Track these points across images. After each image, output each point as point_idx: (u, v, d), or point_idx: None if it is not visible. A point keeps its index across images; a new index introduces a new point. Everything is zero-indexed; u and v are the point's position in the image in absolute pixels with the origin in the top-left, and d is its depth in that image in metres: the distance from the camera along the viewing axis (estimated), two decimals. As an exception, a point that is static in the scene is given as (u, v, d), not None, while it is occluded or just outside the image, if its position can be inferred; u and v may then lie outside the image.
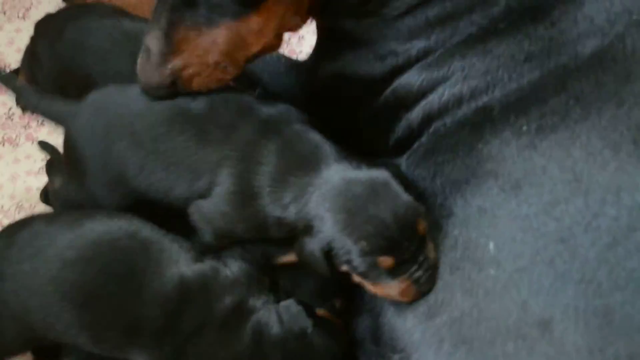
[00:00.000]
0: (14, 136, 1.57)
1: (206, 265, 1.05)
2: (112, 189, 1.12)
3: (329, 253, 0.98)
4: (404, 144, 1.11)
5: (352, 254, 0.96)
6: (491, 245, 0.93)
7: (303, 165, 1.03)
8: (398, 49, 1.07)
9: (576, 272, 0.85)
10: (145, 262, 1.01)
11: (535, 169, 0.93)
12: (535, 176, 0.92)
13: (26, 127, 1.59)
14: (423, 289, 0.97)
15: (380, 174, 1.00)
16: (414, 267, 0.96)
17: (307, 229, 0.99)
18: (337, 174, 1.01)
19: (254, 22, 1.02)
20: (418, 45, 1.05)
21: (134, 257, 1.02)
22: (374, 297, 1.03)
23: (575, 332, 0.82)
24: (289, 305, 1.04)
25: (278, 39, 1.09)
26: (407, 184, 1.01)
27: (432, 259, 0.97)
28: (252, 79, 1.34)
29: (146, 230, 1.05)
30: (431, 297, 0.97)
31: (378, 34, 1.08)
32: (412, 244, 0.95)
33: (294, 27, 1.12)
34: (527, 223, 0.90)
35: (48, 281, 1.00)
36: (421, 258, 0.96)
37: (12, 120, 1.59)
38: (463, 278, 0.94)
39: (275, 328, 1.02)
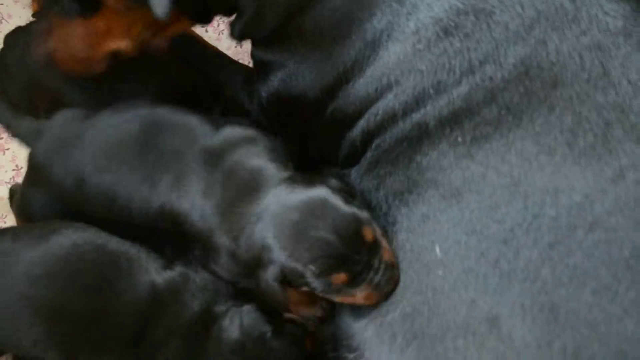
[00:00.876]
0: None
1: (175, 272, 1.05)
2: (70, 209, 1.12)
3: (284, 280, 0.98)
4: (351, 159, 1.14)
5: (306, 277, 0.96)
6: (437, 249, 0.95)
7: (245, 194, 1.03)
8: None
9: (521, 271, 0.87)
10: (115, 273, 1.01)
11: (473, 177, 0.96)
12: (474, 183, 0.95)
13: (-1, 138, 1.59)
14: (386, 290, 0.97)
15: (318, 193, 1.00)
16: (371, 274, 0.96)
17: (258, 262, 0.99)
18: (275, 200, 1.01)
19: (99, 24, 1.13)
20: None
21: (102, 270, 1.01)
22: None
23: (522, 328, 0.84)
24: (249, 310, 1.05)
25: (139, 44, 1.17)
26: (352, 193, 1.03)
27: (388, 260, 0.98)
28: (218, 92, 1.40)
29: (113, 242, 1.05)
30: (383, 306, 0.98)
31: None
32: (361, 254, 0.96)
33: (156, 41, 1.19)
34: (470, 227, 0.93)
35: (16, 299, 0.99)
36: (376, 263, 0.97)
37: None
38: (412, 279, 0.96)
39: (235, 333, 1.02)
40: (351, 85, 1.08)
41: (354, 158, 1.13)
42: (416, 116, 1.02)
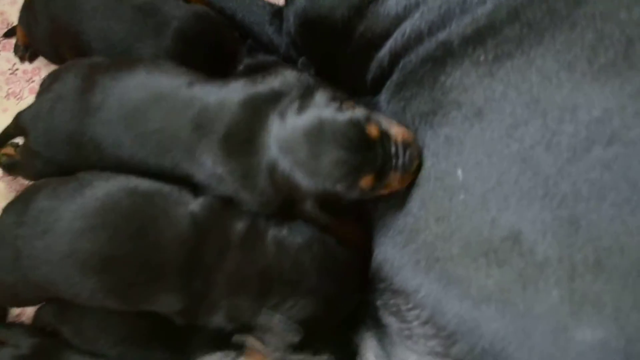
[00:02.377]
0: (17, 90, 1.65)
1: (210, 197, 1.07)
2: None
3: (322, 205, 1.02)
4: (379, 82, 1.15)
5: (339, 194, 1.00)
6: (459, 172, 0.97)
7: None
8: None
9: (540, 188, 0.89)
10: (153, 213, 1.03)
11: (494, 95, 0.96)
12: (495, 102, 0.96)
13: (29, 81, 1.66)
14: (413, 166, 1.01)
15: (309, 118, 1.02)
16: (394, 160, 0.99)
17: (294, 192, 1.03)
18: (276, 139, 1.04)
19: None
20: None
21: (140, 212, 1.03)
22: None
23: (543, 243, 0.86)
24: (300, 224, 1.08)
25: None
26: (342, 97, 1.05)
27: (403, 140, 1.01)
28: (241, 33, 1.40)
29: (144, 184, 1.07)
30: (407, 227, 1.02)
31: None
32: (376, 150, 0.98)
33: None
34: (490, 147, 0.94)
35: (63, 255, 1.02)
36: (393, 149, 1.00)
37: (15, 75, 1.67)
38: (436, 207, 0.99)
39: (296, 237, 1.06)
40: (380, 3, 1.08)
41: (381, 81, 1.15)
42: (441, 35, 1.03)
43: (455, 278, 0.92)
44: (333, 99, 1.03)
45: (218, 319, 1.07)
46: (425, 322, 0.94)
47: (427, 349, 0.94)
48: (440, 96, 1.02)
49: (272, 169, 1.04)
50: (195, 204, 1.07)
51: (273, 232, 1.07)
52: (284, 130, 1.03)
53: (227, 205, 1.08)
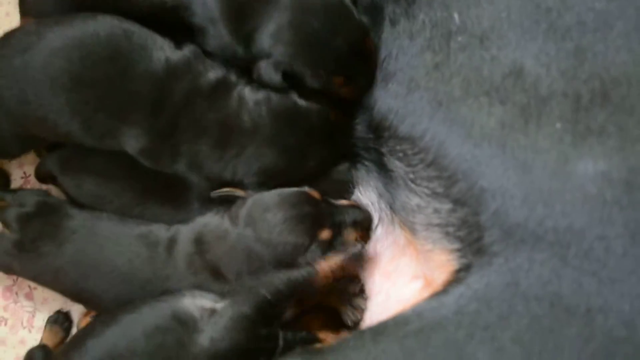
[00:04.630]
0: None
1: (187, 50, 1.08)
2: None
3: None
4: None
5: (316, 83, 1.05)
6: (456, 16, 0.94)
7: None
8: None
9: (543, 22, 0.86)
10: (130, 45, 1.04)
11: None
12: None
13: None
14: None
15: None
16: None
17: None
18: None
19: None
20: None
21: (118, 41, 1.04)
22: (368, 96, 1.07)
23: (547, 77, 0.84)
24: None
25: None
26: None
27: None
28: None
29: (126, 23, 1.07)
30: (405, 79, 1.00)
31: None
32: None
33: None
34: None
35: (38, 71, 1.04)
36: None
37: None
38: (434, 54, 0.96)
39: (259, 92, 1.07)
40: None
41: None
42: None
43: (458, 120, 0.90)
44: None
45: (181, 167, 1.09)
46: (429, 165, 0.94)
47: (429, 191, 0.94)
48: None
49: None
50: (172, 53, 1.07)
51: (240, 87, 1.08)
52: None
53: (201, 57, 1.09)
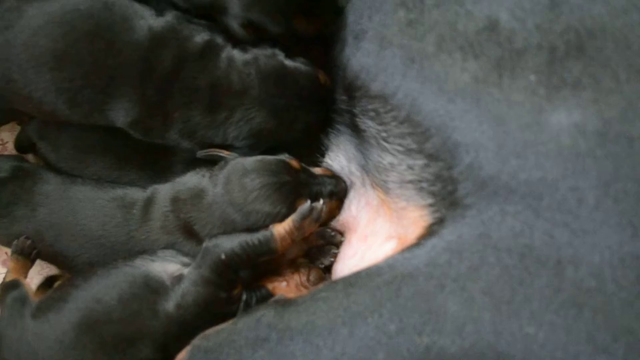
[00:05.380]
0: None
1: (169, 16, 1.07)
2: None
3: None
4: None
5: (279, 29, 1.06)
6: None
7: None
8: None
9: None
10: (111, 17, 1.03)
11: None
12: None
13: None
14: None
15: None
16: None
17: None
18: None
19: None
20: None
21: (99, 14, 1.03)
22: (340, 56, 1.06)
23: (523, 30, 0.85)
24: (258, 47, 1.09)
25: None
26: None
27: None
28: None
29: None
30: (378, 37, 0.98)
31: None
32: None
33: None
34: None
35: (21, 50, 1.03)
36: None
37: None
38: (407, 9, 0.95)
39: (246, 53, 1.07)
40: None
41: None
42: None
43: (431, 76, 0.90)
44: None
45: (174, 135, 1.08)
46: (402, 122, 0.93)
47: (402, 148, 0.93)
48: None
49: None
50: (154, 21, 1.06)
51: (228, 49, 1.07)
52: None
53: (184, 22, 1.08)
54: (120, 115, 1.05)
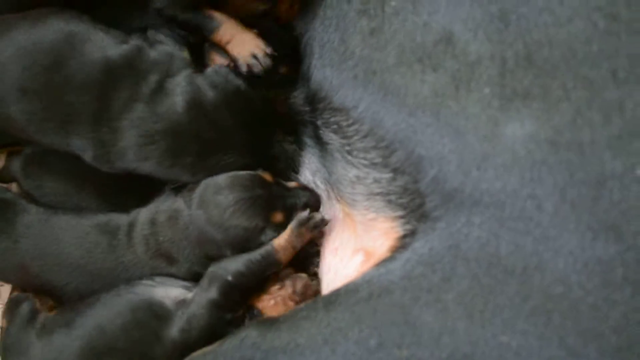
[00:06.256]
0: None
1: (130, 45, 1.07)
2: None
3: None
4: None
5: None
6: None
7: None
8: None
9: None
10: (69, 52, 1.04)
11: None
12: None
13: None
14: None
15: None
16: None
17: None
18: None
19: None
20: None
21: (59, 48, 1.04)
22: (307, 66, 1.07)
23: (475, 41, 0.85)
24: (217, 70, 1.08)
25: None
26: None
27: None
28: None
29: (74, 23, 1.06)
30: (340, 48, 1.00)
31: None
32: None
33: None
34: None
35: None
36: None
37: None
38: (369, 19, 0.97)
39: (209, 92, 1.05)
40: None
41: None
42: None
43: (392, 88, 0.92)
44: None
45: (134, 165, 1.07)
46: (365, 136, 0.95)
47: (367, 162, 0.95)
48: None
49: None
50: (113, 50, 1.06)
51: (179, 79, 1.07)
52: None
53: (144, 55, 1.08)
54: (80, 150, 1.06)
